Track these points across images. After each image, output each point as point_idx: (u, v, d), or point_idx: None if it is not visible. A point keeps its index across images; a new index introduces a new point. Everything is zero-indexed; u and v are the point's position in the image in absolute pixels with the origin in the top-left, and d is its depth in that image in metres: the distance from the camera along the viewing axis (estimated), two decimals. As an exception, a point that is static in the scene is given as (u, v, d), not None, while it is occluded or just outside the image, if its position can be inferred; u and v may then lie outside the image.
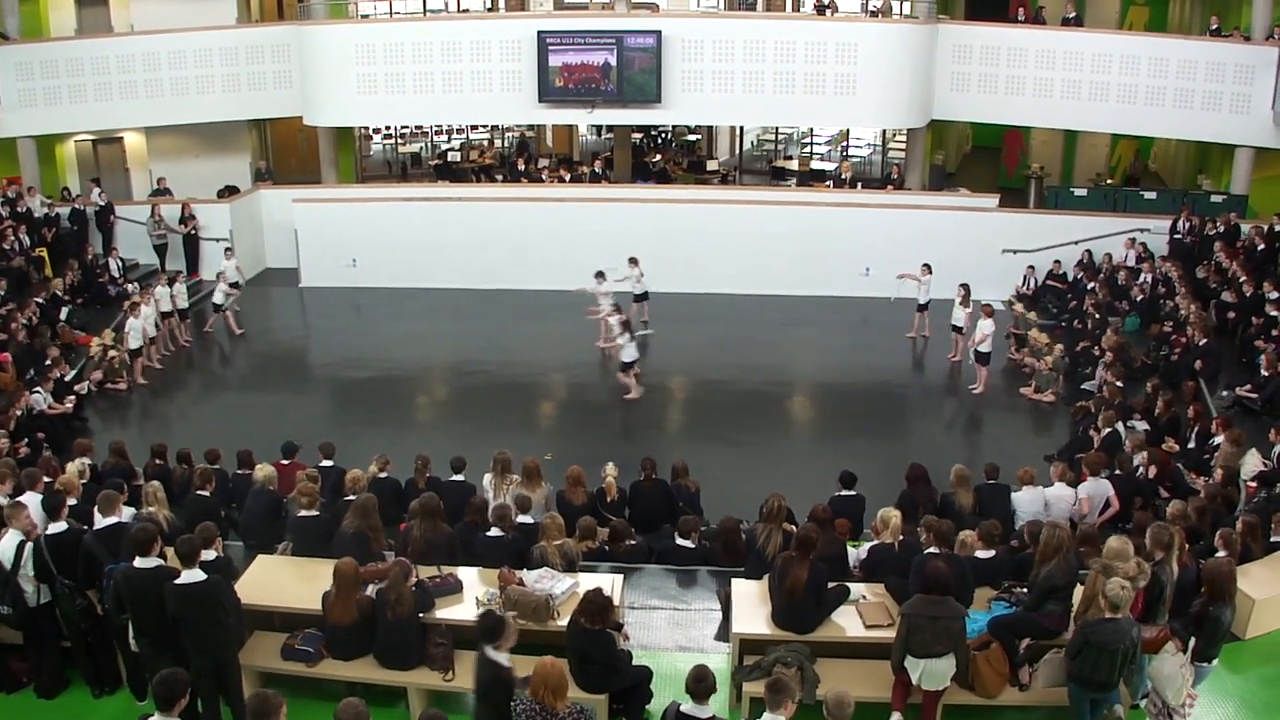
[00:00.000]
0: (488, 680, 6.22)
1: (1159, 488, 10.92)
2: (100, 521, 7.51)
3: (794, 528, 8.47)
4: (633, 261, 17.30)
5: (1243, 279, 15.83)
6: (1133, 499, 10.34)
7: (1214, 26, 20.24)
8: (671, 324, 18.22)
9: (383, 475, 10.03)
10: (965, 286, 16.04)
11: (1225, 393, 13.73)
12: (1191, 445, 12.10)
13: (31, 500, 7.82)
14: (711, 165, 24.99)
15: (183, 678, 5.49)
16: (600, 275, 16.53)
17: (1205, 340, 14.53)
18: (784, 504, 8.48)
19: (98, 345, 15.65)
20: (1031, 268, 18.99)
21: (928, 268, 16.95)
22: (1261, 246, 16.61)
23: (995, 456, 11.06)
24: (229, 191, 21.58)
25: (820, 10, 22.51)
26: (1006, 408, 15.10)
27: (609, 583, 7.70)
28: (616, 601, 7.63)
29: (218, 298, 17.75)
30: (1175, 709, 6.59)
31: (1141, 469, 11.02)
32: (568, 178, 22.43)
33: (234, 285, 18.12)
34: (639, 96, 20.33)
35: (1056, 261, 18.86)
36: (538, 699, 5.93)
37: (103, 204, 19.67)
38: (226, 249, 18.51)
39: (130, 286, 18.27)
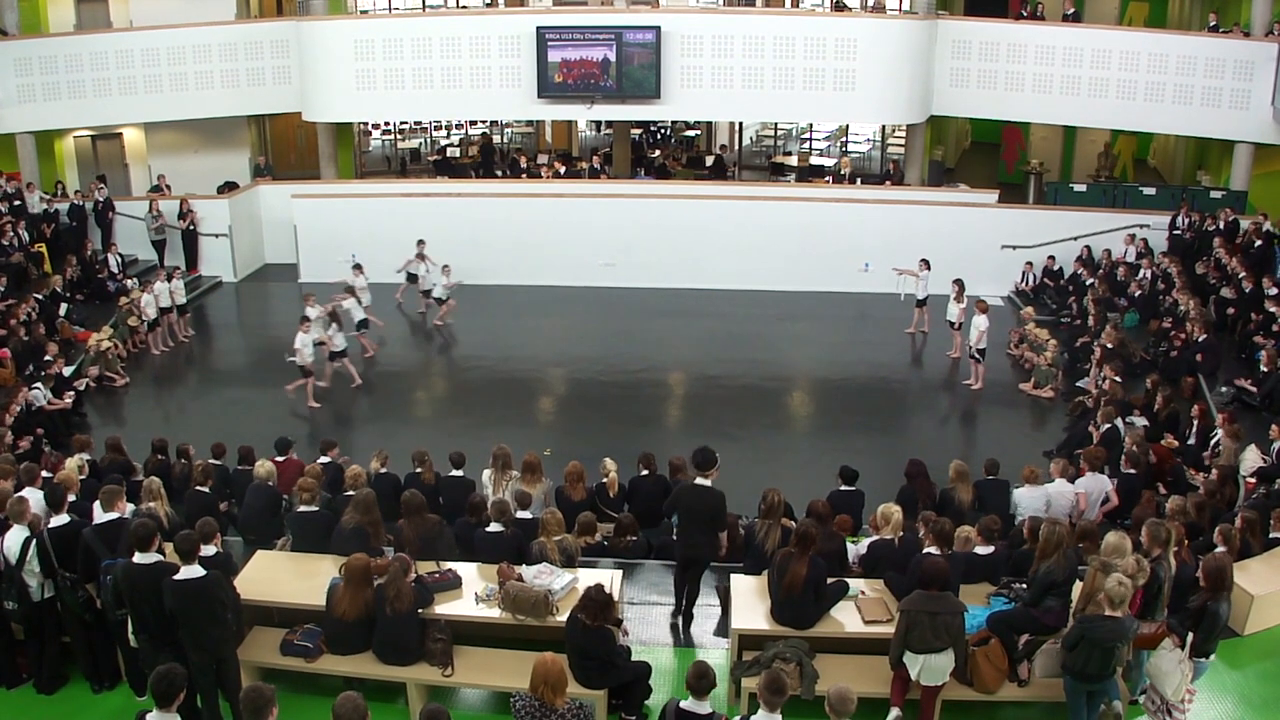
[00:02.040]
0: (704, 504, 7.96)
1: (1157, 483, 10.93)
2: (100, 516, 7.50)
3: (793, 523, 8.47)
4: (421, 256, 17.94)
5: (1242, 275, 15.82)
6: (1136, 494, 10.33)
7: (1213, 23, 20.24)
8: (670, 319, 18.25)
9: (382, 470, 10.02)
10: (959, 282, 16.03)
11: (1224, 388, 13.72)
12: (1191, 441, 12.09)
13: (30, 495, 7.82)
14: (710, 161, 24.95)
15: (180, 673, 5.48)
16: (358, 268, 17.03)
17: (1204, 336, 14.52)
18: (782, 499, 8.47)
19: (95, 340, 15.63)
20: (1030, 263, 18.99)
21: (926, 263, 16.93)
22: (1259, 243, 16.61)
23: (994, 452, 11.05)
24: (229, 187, 21.56)
25: (837, 7, 22.55)
26: (1005, 403, 15.09)
27: (608, 578, 7.69)
28: (616, 597, 7.62)
29: (439, 292, 17.81)
30: (1174, 704, 6.59)
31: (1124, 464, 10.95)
32: (563, 171, 22.41)
33: (410, 279, 18.53)
34: (638, 92, 20.29)
35: (1050, 257, 18.85)
36: (537, 695, 5.93)
37: (103, 200, 19.66)
38: (419, 240, 18.43)
39: (129, 282, 18.26)
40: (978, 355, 15.31)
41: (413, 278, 18.64)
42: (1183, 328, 15.18)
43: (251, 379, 16.30)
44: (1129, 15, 24.07)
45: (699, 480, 8.06)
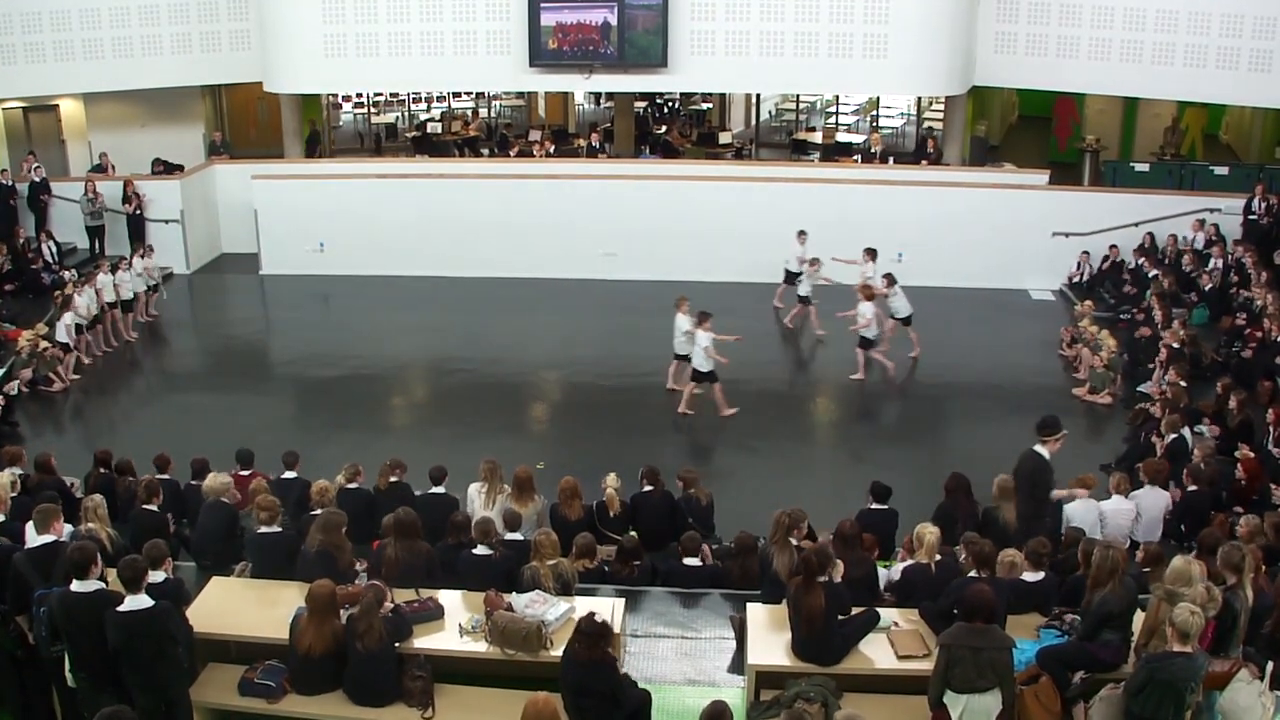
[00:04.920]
0: (1031, 469, 9.13)
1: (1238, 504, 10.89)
2: (34, 539, 7.49)
3: (809, 543, 8.49)
4: (150, 250, 18.51)
5: (1326, 265, 15.82)
6: (1203, 514, 10.31)
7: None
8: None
9: (352, 486, 10.03)
10: (889, 276, 16.04)
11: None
12: (1272, 448, 12.06)
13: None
14: (724, 138, 24.98)
15: (126, 717, 5.49)
16: (117, 266, 17.55)
17: (1283, 335, 14.52)
18: (789, 519, 8.46)
19: (28, 339, 15.61)
20: (1085, 253, 18.98)
21: (871, 253, 16.83)
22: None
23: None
24: (162, 166, 21.48)
25: None
26: (1057, 410, 14.84)
27: (608, 607, 7.68)
28: (616, 629, 7.62)
29: (804, 289, 17.37)
30: (1254, 744, 6.57)
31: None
32: (552, 149, 22.44)
33: (789, 278, 18.04)
34: (642, 60, 20.33)
35: (1113, 246, 18.83)
36: (527, 740, 5.93)
37: (38, 180, 19.67)
38: (800, 232, 17.86)
39: (67, 274, 18.27)
40: (863, 343, 15.46)
41: (791, 276, 18.00)
42: (1259, 325, 15.15)
43: (205, 383, 16.33)
44: (1198, -28, 24.04)
45: (1036, 446, 9.15)
